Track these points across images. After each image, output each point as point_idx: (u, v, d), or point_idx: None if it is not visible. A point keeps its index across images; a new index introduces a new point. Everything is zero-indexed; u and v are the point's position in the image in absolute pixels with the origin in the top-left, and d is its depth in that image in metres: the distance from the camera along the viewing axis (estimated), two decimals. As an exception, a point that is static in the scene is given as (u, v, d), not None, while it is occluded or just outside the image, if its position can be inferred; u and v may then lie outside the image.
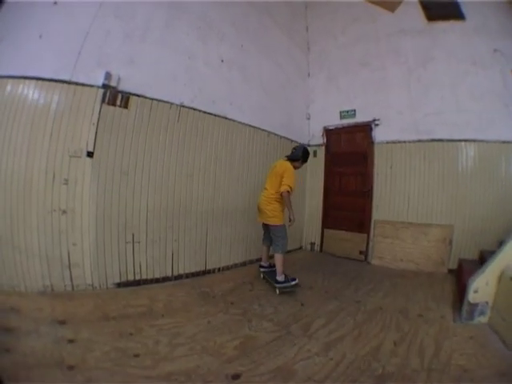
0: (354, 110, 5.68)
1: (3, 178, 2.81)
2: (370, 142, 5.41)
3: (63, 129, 2.99)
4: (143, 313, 2.77)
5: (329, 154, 6.07)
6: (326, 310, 3.07)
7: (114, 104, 3.26)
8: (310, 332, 2.59)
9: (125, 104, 3.34)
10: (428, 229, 4.75)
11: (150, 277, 3.57)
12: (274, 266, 3.73)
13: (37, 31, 2.92)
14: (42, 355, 1.94)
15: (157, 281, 3.61)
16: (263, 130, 5.09)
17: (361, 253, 5.40)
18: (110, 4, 3.24)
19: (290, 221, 3.58)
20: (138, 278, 3.47)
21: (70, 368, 1.84)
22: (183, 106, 3.86)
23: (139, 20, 3.50)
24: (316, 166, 6.17)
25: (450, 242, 4.58)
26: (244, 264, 4.69)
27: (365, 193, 5.41)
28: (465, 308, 2.82)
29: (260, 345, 2.36)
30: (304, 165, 3.98)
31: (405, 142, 5.05)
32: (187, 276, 3.90)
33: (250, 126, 4.81)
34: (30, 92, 2.89)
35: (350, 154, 5.74)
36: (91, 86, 3.12)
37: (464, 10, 4.59)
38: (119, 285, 3.33)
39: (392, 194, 5.12)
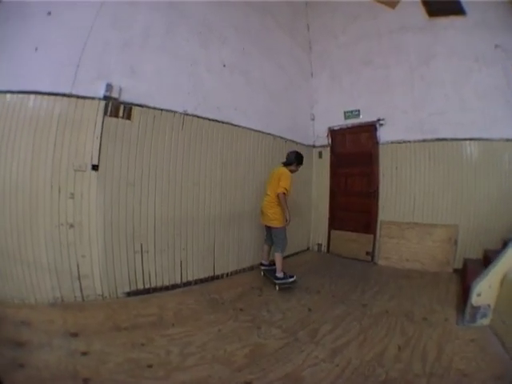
0: (358, 110, 5.74)
1: (8, 193, 2.86)
2: (375, 143, 5.48)
3: (66, 143, 3.04)
4: (154, 322, 2.86)
5: (334, 154, 6.16)
6: (333, 315, 3.17)
7: (116, 116, 3.31)
8: (317, 338, 2.69)
9: (127, 115, 3.40)
10: (433, 229, 4.82)
11: (159, 285, 3.67)
12: (274, 264, 4.08)
13: (32, 44, 2.95)
14: (56, 369, 2.00)
15: (166, 288, 3.71)
16: (268, 133, 5.17)
17: (367, 253, 5.49)
18: (107, 13, 3.27)
19: (286, 221, 3.96)
20: (147, 286, 3.57)
21: (85, 381, 1.92)
22: (187, 114, 3.93)
23: (138, 28, 3.54)
24: (321, 167, 6.28)
25: (455, 242, 4.65)
26: (252, 268, 4.77)
27: (371, 194, 5.48)
28: (468, 311, 2.90)
29: (269, 352, 2.46)
30: (300, 167, 4.29)
31: (410, 141, 5.11)
32: (196, 282, 4.01)
33: (255, 130, 4.90)
34: (30, 107, 2.92)
35: (355, 155, 5.81)
36: (92, 98, 3.17)
37: (464, 5, 4.61)
38: (129, 294, 3.42)
39: (398, 195, 5.20)
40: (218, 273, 4.31)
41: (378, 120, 5.43)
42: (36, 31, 2.99)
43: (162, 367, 2.16)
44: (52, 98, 3.00)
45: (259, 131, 4.98)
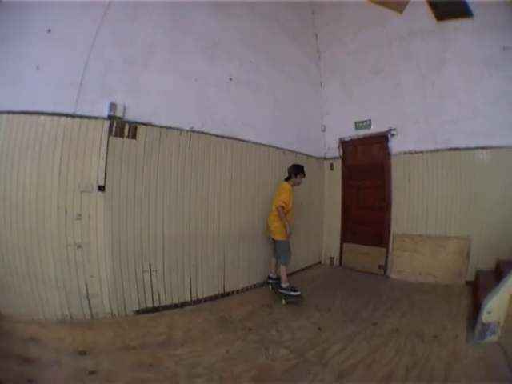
0: (370, 120, 5.75)
1: (15, 214, 2.98)
2: (387, 154, 5.49)
3: (71, 164, 3.13)
4: (162, 342, 2.93)
5: (345, 166, 6.18)
6: (343, 335, 3.17)
7: (121, 135, 3.39)
8: (326, 359, 2.71)
9: (133, 134, 3.47)
10: (446, 241, 4.80)
11: (168, 303, 3.73)
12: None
13: (33, 62, 3.03)
14: (64, 387, 2.08)
15: (176, 306, 3.77)
16: (278, 147, 5.20)
17: (380, 267, 5.48)
18: (108, 29, 3.34)
19: (286, 233, 4.14)
20: (156, 304, 3.64)
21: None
22: (194, 131, 3.98)
23: (140, 45, 3.61)
24: (333, 180, 6.29)
25: (468, 255, 4.61)
26: (263, 284, 4.79)
27: (383, 207, 5.48)
28: (478, 328, 2.90)
29: (276, 374, 2.50)
30: (301, 178, 4.40)
31: (422, 152, 5.09)
32: (206, 300, 4.06)
33: (264, 145, 4.94)
34: (33, 128, 3.01)
35: (366, 167, 5.83)
36: (96, 118, 3.24)
37: (471, 6, 4.56)
38: (138, 312, 3.49)
39: (410, 207, 5.19)
40: (228, 290, 4.35)
41: (390, 130, 5.43)
42: (36, 49, 3.08)
43: (168, 389, 2.21)
44: (55, 118, 3.09)
45: (268, 145, 5.01)
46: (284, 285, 4.20)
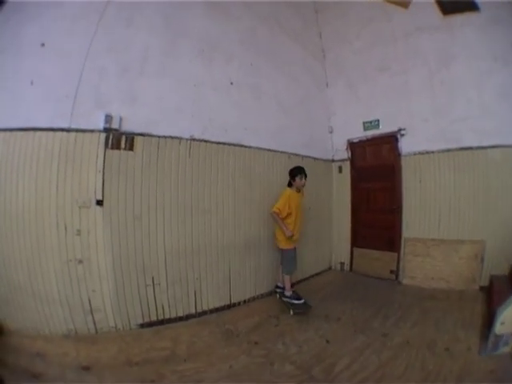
0: (378, 120, 5.69)
1: (15, 231, 3.02)
2: (397, 154, 5.41)
3: (68, 179, 3.14)
4: (166, 357, 2.92)
5: (354, 168, 6.12)
6: (351, 348, 3.11)
7: (118, 147, 3.37)
8: (333, 375, 2.66)
9: (130, 146, 3.44)
10: (459, 245, 4.71)
11: (173, 316, 3.71)
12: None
13: (27, 77, 3.05)
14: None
15: (180, 319, 3.76)
16: (283, 152, 5.13)
17: (391, 272, 5.41)
18: (102, 37, 3.32)
19: (288, 240, 4.16)
20: (160, 317, 3.63)
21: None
22: (193, 140, 3.94)
23: (135, 52, 3.58)
24: (342, 183, 6.22)
25: (482, 259, 4.53)
26: (270, 294, 4.74)
27: (394, 210, 5.41)
28: (491, 339, 2.84)
29: (280, 393, 2.46)
30: (303, 179, 4.24)
31: (433, 152, 5.01)
32: (212, 311, 4.04)
33: (268, 150, 4.87)
34: (30, 144, 3.03)
35: (376, 168, 5.75)
36: (92, 131, 3.24)
37: (477, 0, 4.50)
38: (142, 325, 3.49)
39: (422, 210, 5.10)
40: (234, 301, 4.32)
41: (399, 130, 5.35)
42: (30, 64, 3.10)
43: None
44: (51, 133, 3.10)
45: (272, 150, 4.94)
46: (287, 293, 4.21)
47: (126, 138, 3.45)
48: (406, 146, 5.33)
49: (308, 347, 3.18)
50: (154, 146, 3.63)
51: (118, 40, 3.47)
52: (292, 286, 4.33)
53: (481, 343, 3.00)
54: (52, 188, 3.10)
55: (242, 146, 4.51)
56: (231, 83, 4.50)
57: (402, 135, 5.33)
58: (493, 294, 3.73)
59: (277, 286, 4.63)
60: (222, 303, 4.19)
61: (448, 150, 4.86)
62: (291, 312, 4.00)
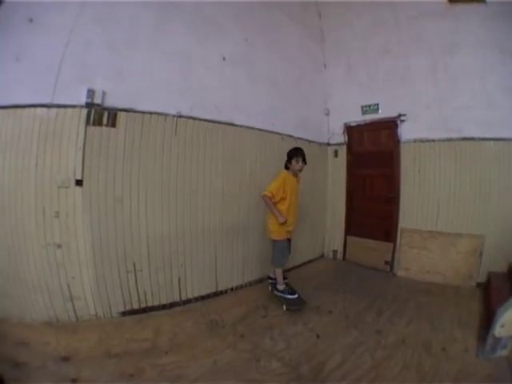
0: (377, 104, 5.52)
1: None
2: (396, 141, 5.25)
3: (48, 158, 3.00)
4: (147, 349, 2.81)
5: (351, 153, 5.97)
6: (343, 344, 3.00)
7: (100, 124, 3.19)
8: (323, 375, 2.54)
9: (112, 122, 3.25)
10: (457, 239, 4.63)
11: (156, 303, 3.61)
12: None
13: (13, 54, 2.91)
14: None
15: (164, 307, 3.65)
16: (276, 133, 4.98)
17: (386, 263, 5.34)
18: (90, 9, 3.14)
19: (280, 228, 3.84)
20: (143, 305, 3.52)
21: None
22: (181, 116, 3.76)
23: (124, 25, 3.39)
24: (337, 168, 6.10)
25: (481, 254, 4.46)
26: (260, 281, 4.68)
27: (391, 198, 5.30)
28: (489, 342, 2.78)
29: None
30: (300, 161, 3.90)
31: (434, 140, 4.86)
32: (197, 299, 3.94)
33: (260, 130, 4.70)
34: (11, 122, 2.92)
35: (374, 154, 5.60)
36: (73, 106, 3.07)
37: None
38: (124, 313, 3.39)
39: (420, 200, 4.99)
40: (221, 288, 4.23)
41: (399, 115, 5.18)
42: (17, 40, 2.94)
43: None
44: (32, 110, 2.95)
45: (265, 130, 4.77)
46: (280, 286, 3.93)
47: (109, 113, 3.24)
48: (405, 132, 5.18)
49: (297, 342, 3.06)
50: (137, 122, 3.42)
51: (106, 12, 3.26)
52: (284, 277, 4.10)
53: (478, 345, 2.95)
54: (31, 168, 2.96)
55: (232, 124, 4.33)
56: (224, 59, 4.31)
57: (402, 121, 5.18)
58: (491, 292, 3.69)
59: (269, 277, 4.38)
60: (207, 291, 4.09)
61: (449, 140, 4.73)
62: (284, 307, 3.78)
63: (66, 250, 3.10)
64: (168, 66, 3.73)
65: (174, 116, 3.71)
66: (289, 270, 4.92)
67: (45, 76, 2.99)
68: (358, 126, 5.85)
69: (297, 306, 3.75)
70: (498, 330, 2.74)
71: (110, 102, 3.27)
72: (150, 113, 3.52)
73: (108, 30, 3.29)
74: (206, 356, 2.77)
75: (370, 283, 4.77)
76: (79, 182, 3.10)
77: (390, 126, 5.35)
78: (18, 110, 2.92)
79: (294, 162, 3.90)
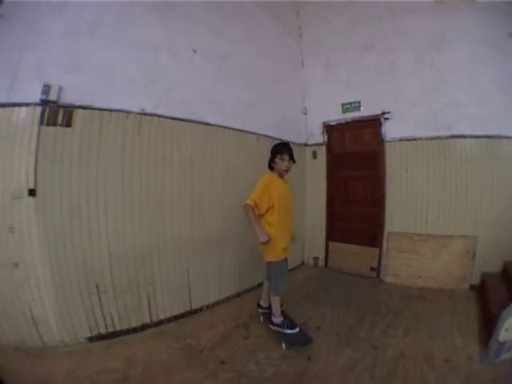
0: (359, 102, 5.42)
1: None
2: (380, 140, 5.15)
3: (0, 165, 2.73)
4: (118, 381, 2.58)
5: (331, 154, 5.85)
6: (338, 366, 2.77)
7: (54, 124, 2.87)
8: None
9: (67, 121, 2.93)
10: (449, 241, 4.58)
11: (125, 327, 3.33)
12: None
13: None
14: None
15: (134, 330, 3.38)
16: (251, 132, 4.76)
17: (372, 269, 5.25)
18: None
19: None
20: (111, 330, 3.25)
21: None
22: (144, 114, 3.45)
23: (84, 13, 3.08)
24: (316, 170, 5.99)
25: (474, 255, 4.44)
26: (238, 295, 4.48)
27: (376, 201, 5.20)
28: (493, 347, 2.75)
29: None
30: (285, 158, 3.24)
31: (421, 138, 4.79)
32: (170, 320, 3.67)
33: (233, 129, 4.45)
34: None
35: (356, 155, 5.49)
36: (27, 104, 2.78)
37: None
38: (91, 339, 3.13)
39: (408, 202, 4.91)
40: (195, 306, 3.96)
41: (383, 113, 5.08)
42: None
43: None
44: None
45: (239, 130, 4.53)
46: (277, 319, 3.33)
47: (64, 111, 2.94)
48: (390, 131, 5.08)
49: (286, 366, 2.80)
50: (95, 121, 3.10)
51: (68, 4, 2.99)
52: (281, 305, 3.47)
53: (481, 351, 2.92)
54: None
55: (203, 123, 4.05)
56: (194, 51, 4.05)
57: (387, 119, 5.08)
58: (487, 293, 3.71)
59: (259, 305, 3.81)
60: (181, 310, 3.81)
61: (438, 138, 4.67)
62: (283, 346, 3.13)
63: (24, 270, 2.83)
64: (131, 59, 3.41)
65: (137, 113, 3.40)
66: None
67: (4, 72, 2.76)
68: (339, 124, 5.72)
69: (300, 345, 3.13)
70: (503, 335, 2.72)
71: (67, 98, 2.97)
72: (110, 110, 3.20)
73: (67, 18, 3.00)
74: (183, 389, 2.50)
75: (358, 292, 4.61)
76: (32, 192, 2.79)
77: (374, 124, 5.24)
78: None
79: (278, 160, 3.25)
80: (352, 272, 5.41)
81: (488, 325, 3.15)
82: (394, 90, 5.05)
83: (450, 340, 3.15)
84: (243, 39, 4.79)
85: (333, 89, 5.80)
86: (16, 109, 2.76)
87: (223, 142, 4.33)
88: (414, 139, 4.85)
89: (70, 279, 3.01)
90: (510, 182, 4.33)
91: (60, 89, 2.91)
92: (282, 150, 3.25)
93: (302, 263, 6.11)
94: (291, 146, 3.38)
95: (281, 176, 3.34)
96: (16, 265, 2.80)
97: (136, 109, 3.39)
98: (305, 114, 6.17)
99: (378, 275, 5.18)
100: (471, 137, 4.46)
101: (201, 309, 4.02)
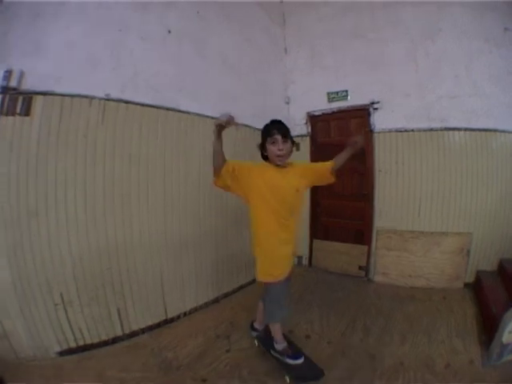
0: (346, 91, 5.29)
1: None
2: (369, 131, 5.02)
3: None
4: None
5: (315, 146, 5.72)
6: (334, 380, 2.60)
7: (13, 113, 2.59)
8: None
9: (26, 110, 2.66)
10: (442, 238, 4.55)
11: (95, 340, 3.12)
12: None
13: None
14: None
15: (106, 343, 3.17)
16: (230, 122, 4.53)
17: (360, 268, 5.17)
18: None
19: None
20: (81, 343, 3.05)
21: None
22: (110, 100, 3.15)
23: None
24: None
25: (468, 253, 4.44)
26: (216, 300, 4.28)
27: (364, 195, 5.11)
28: (496, 350, 2.75)
29: None
30: (281, 146, 2.47)
31: (413, 130, 4.71)
32: (144, 331, 3.45)
33: (211, 118, 4.09)
34: None
35: (342, 146, 5.24)
36: None
37: None
38: (61, 353, 2.95)
39: (399, 197, 4.83)
40: (171, 315, 3.73)
41: (372, 103, 4.99)
42: None
43: None
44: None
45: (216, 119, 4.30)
46: (279, 346, 2.80)
47: (24, 98, 2.67)
48: (380, 121, 4.99)
49: (273, 382, 2.62)
50: (55, 108, 2.81)
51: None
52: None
53: (483, 353, 2.92)
54: None
55: (177, 110, 3.80)
56: (169, 32, 3.79)
57: (376, 109, 5.00)
58: (483, 292, 3.75)
59: (252, 327, 3.27)
60: (155, 320, 3.59)
61: (431, 130, 4.62)
62: (287, 379, 2.65)
63: (-13, 282, 2.59)
64: (97, 37, 3.14)
65: (100, 99, 3.12)
66: (246, 286, 4.65)
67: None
68: (324, 114, 5.58)
69: (306, 377, 2.62)
70: (507, 337, 2.71)
71: (28, 84, 2.71)
72: (72, 95, 2.91)
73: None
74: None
75: (346, 293, 4.50)
76: (-13, 194, 2.52)
77: (362, 114, 5.14)
78: None
79: (269, 145, 2.51)
80: (339, 271, 5.34)
81: (487, 325, 3.20)
82: (385, 79, 4.94)
83: (449, 343, 3.11)
84: (223, 21, 4.57)
85: (318, 77, 5.65)
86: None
87: (200, 132, 4.08)
88: (406, 131, 4.77)
89: (31, 290, 2.79)
90: (505, 177, 4.34)
91: (21, 74, 2.66)
92: (270, 130, 2.50)
93: (285, 263, 5.92)
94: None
95: (280, 165, 2.56)
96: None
97: (100, 94, 3.11)
98: (287, 103, 6.03)
99: (367, 274, 5.11)
100: (466, 129, 4.44)
101: (177, 317, 3.81)
